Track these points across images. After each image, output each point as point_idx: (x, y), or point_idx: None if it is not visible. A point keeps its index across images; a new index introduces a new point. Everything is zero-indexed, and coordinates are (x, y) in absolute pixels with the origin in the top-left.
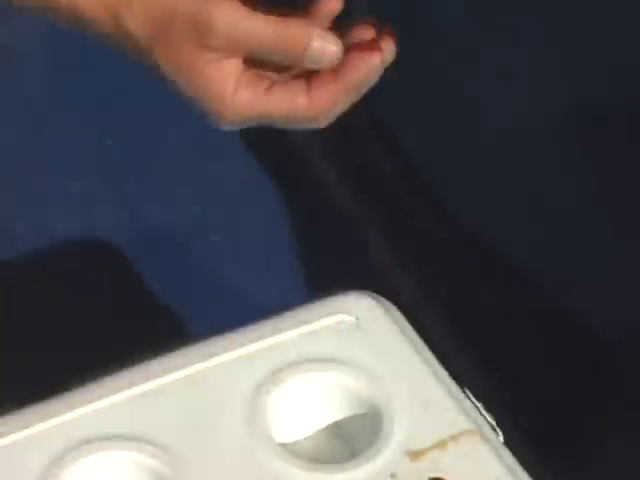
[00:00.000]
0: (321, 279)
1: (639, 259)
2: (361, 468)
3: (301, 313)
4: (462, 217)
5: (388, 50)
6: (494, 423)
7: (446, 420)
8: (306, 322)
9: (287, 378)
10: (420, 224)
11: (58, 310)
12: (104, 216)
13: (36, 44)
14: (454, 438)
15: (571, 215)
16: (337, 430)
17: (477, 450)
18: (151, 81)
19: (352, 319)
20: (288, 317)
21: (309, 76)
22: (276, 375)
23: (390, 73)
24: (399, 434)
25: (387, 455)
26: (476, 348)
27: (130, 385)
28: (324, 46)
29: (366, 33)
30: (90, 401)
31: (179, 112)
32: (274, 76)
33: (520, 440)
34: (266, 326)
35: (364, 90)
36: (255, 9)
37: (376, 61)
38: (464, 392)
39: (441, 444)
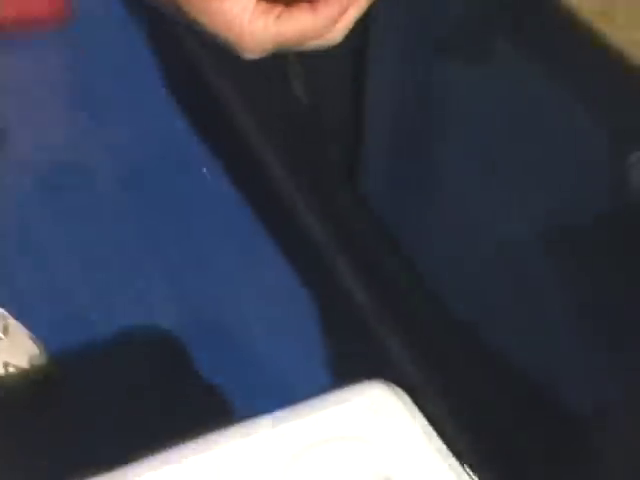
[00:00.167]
0: (339, 366)
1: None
2: None
3: (324, 399)
4: (460, 314)
5: None
6: None
7: None
8: (328, 407)
9: (311, 456)
10: (423, 319)
11: (120, 393)
12: (164, 311)
13: (105, 163)
14: None
15: (556, 319)
16: None
17: None
18: (205, 195)
19: (368, 404)
20: (312, 403)
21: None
22: (301, 453)
23: (399, 186)
24: None
25: None
26: (476, 432)
27: (172, 462)
28: None
29: None
30: (139, 475)
31: (228, 223)
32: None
33: None
34: (293, 411)
35: (362, 8)
36: None
37: None
38: (464, 469)
39: None
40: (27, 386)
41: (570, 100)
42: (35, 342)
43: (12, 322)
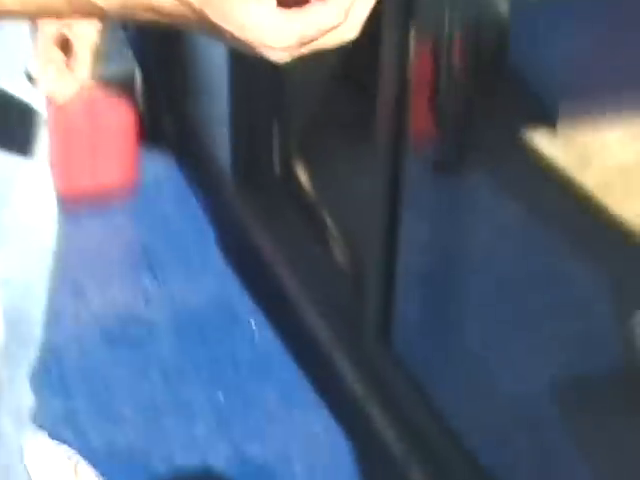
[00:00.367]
0: None
1: None
2: None
3: None
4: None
5: None
6: None
7: None
8: None
9: None
10: (453, 467)
11: None
12: (213, 450)
13: (164, 316)
14: None
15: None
16: None
17: None
18: (252, 345)
19: None
20: None
21: None
22: None
23: (428, 341)
24: None
25: None
26: None
27: None
28: None
29: None
30: None
31: (272, 370)
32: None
33: None
34: None
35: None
36: None
37: None
38: None
39: None
40: None
41: (578, 259)
42: None
43: (81, 463)
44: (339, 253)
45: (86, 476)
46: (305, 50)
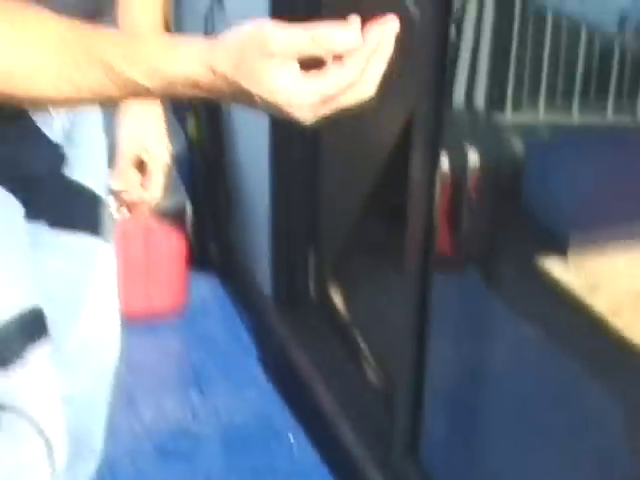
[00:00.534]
0: None
1: None
2: None
3: None
4: None
5: (395, 22)
6: None
7: None
8: None
9: None
10: None
11: None
12: None
13: (210, 429)
14: None
15: None
16: None
17: None
18: (290, 456)
19: None
20: None
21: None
22: None
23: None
24: None
25: None
26: None
27: None
28: (347, 30)
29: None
30: None
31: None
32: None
33: None
34: None
35: (387, 51)
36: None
37: (391, 22)
38: None
39: None
40: None
41: (590, 380)
42: None
43: None
44: (371, 372)
45: None
46: (328, 109)
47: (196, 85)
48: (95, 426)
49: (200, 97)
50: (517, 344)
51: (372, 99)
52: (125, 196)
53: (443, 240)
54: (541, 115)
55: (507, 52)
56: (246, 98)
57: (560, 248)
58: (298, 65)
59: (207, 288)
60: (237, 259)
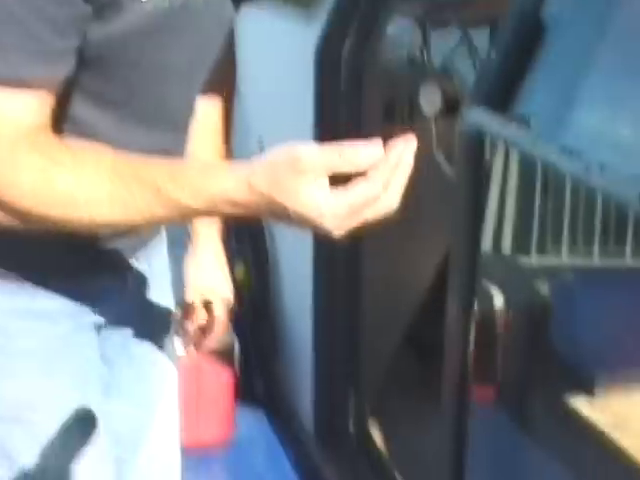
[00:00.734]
0: None
1: None
2: None
3: None
4: None
5: (413, 141)
6: None
7: None
8: None
9: None
10: None
11: None
12: None
13: None
14: None
15: None
16: None
17: None
18: None
19: None
20: None
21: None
22: None
23: None
24: None
25: None
26: None
27: None
28: (371, 147)
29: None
30: None
31: None
32: None
33: None
34: None
35: (408, 167)
36: None
37: (409, 141)
38: None
39: None
40: None
41: None
42: None
43: None
44: None
45: None
46: (356, 221)
47: (235, 203)
48: None
49: (240, 215)
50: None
51: (396, 213)
52: (189, 332)
53: (478, 376)
54: (564, 258)
55: (531, 205)
56: (281, 212)
57: (587, 387)
58: (328, 180)
59: (253, 421)
60: (281, 395)
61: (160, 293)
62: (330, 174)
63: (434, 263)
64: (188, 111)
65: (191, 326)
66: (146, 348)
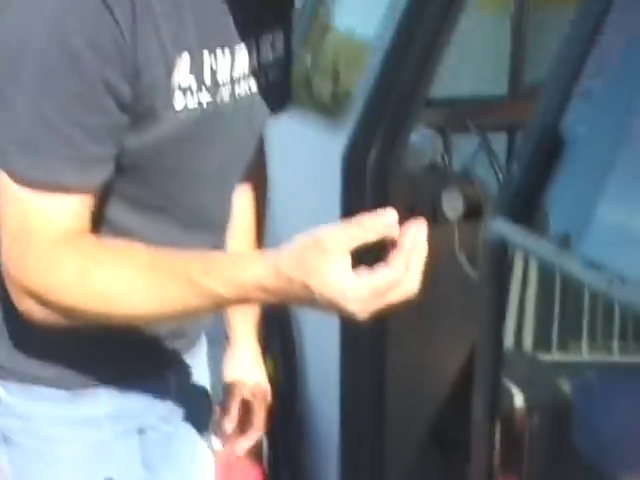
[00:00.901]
0: None
1: None
2: None
3: None
4: None
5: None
6: None
7: None
8: None
9: None
10: None
11: None
12: None
13: None
14: None
15: None
16: None
17: None
18: None
19: None
20: None
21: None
22: None
23: None
24: None
25: None
26: None
27: None
28: (385, 213)
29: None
30: None
31: None
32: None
33: None
34: None
35: (423, 250)
36: None
37: (419, 225)
38: None
39: None
40: None
41: None
42: None
43: None
44: None
45: None
46: (379, 303)
47: (265, 289)
48: None
49: (270, 301)
50: None
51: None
52: (227, 431)
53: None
54: (585, 355)
55: (551, 304)
56: (308, 295)
57: None
58: (350, 260)
59: None
60: None
61: (200, 392)
62: (354, 247)
63: (458, 358)
64: (224, 213)
65: (229, 424)
66: (187, 447)
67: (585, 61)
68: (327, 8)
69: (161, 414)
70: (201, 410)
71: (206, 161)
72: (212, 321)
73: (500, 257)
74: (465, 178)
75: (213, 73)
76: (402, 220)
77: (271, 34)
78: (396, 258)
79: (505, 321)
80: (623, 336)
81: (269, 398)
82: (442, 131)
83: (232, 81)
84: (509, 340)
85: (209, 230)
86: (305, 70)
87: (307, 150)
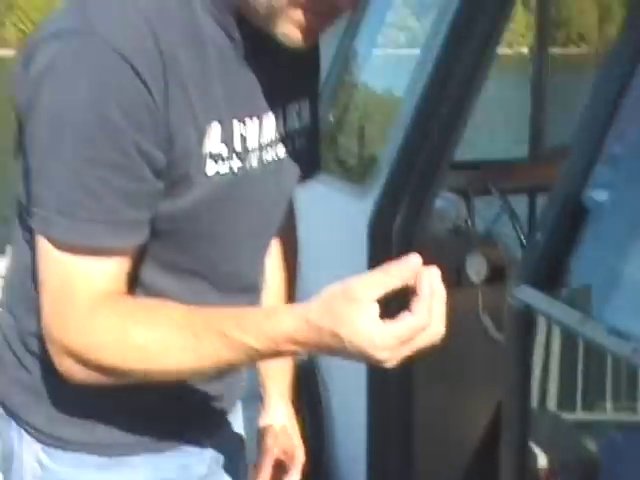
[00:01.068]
0: None
1: None
2: None
3: None
4: None
5: (434, 268)
6: None
7: None
8: None
9: None
10: None
11: None
12: None
13: None
14: None
15: None
16: None
17: None
18: None
19: None
20: None
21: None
22: None
23: None
24: None
25: None
26: None
27: None
28: (410, 259)
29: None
30: None
31: None
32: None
33: None
34: None
35: (441, 294)
36: None
37: (431, 270)
38: None
39: None
40: None
41: None
42: None
43: None
44: None
45: None
46: (406, 350)
47: (295, 340)
48: None
49: (300, 352)
50: None
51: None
52: None
53: None
54: (609, 414)
55: (575, 366)
56: (336, 343)
57: None
58: (378, 309)
59: None
60: None
61: (234, 453)
62: (382, 294)
63: (484, 413)
64: (257, 275)
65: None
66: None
67: (609, 126)
68: (352, 74)
69: (197, 477)
70: (236, 471)
71: (238, 225)
72: (247, 383)
73: (525, 323)
74: (488, 241)
75: (243, 139)
76: None
77: (297, 103)
78: (418, 305)
79: (530, 383)
80: None
81: (303, 458)
82: (465, 194)
83: (260, 147)
84: (534, 399)
85: (243, 293)
86: (331, 134)
87: (334, 215)
